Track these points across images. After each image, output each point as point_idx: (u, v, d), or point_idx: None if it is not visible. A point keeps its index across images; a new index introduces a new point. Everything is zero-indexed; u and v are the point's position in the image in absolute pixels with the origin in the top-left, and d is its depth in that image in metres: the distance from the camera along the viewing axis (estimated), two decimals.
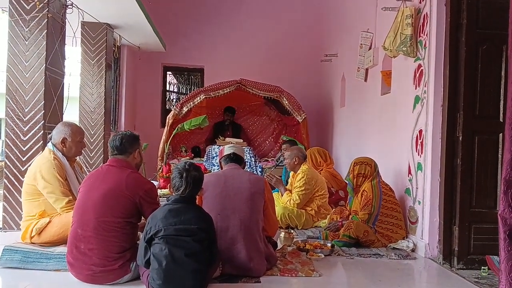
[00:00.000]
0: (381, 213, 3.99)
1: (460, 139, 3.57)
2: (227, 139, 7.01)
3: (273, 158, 7.40)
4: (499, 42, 3.57)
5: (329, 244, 3.81)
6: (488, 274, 3.30)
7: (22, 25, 3.89)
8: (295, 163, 4.92)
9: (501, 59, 3.57)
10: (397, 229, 4.01)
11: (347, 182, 4.44)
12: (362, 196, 4.15)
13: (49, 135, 3.57)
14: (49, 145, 3.49)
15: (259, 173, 6.46)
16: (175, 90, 8.95)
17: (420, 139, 3.90)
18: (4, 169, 3.89)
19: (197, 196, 2.84)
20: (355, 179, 4.28)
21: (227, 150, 3.47)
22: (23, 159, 3.88)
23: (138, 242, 2.89)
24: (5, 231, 3.85)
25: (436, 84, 3.70)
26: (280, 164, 6.59)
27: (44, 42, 3.91)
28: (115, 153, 3.02)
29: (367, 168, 4.24)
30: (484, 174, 3.56)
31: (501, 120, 3.58)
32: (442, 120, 3.67)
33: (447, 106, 3.63)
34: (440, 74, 3.69)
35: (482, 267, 3.36)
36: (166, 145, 6.66)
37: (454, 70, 3.62)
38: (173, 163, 6.51)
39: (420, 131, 3.89)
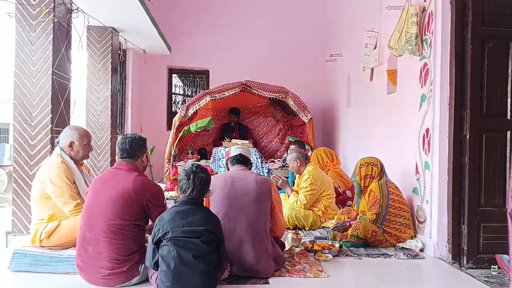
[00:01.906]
0: (389, 213, 3.97)
1: (468, 137, 3.56)
2: (233, 141, 7.02)
3: (279, 159, 7.40)
4: (506, 39, 3.56)
5: (337, 245, 3.80)
6: (498, 273, 3.28)
7: (29, 30, 3.92)
8: (298, 165, 4.90)
9: (507, 56, 3.56)
10: (406, 229, 3.99)
11: (354, 183, 4.41)
12: (369, 196, 4.12)
13: (56, 139, 3.59)
14: (57, 149, 3.51)
15: (265, 174, 6.46)
16: (181, 92, 8.98)
17: (427, 138, 3.88)
18: (13, 173, 3.91)
19: (204, 198, 2.85)
20: (362, 180, 4.24)
21: (234, 151, 3.47)
22: (31, 163, 3.90)
23: (146, 244, 2.91)
24: (15, 235, 3.87)
25: (443, 83, 3.69)
26: (286, 165, 6.58)
27: (51, 47, 3.94)
28: (124, 156, 3.03)
29: (374, 169, 4.21)
30: (492, 172, 3.55)
31: (508, 117, 3.56)
32: (449, 119, 3.65)
33: (453, 104, 3.62)
34: (446, 72, 3.68)
35: (492, 266, 3.34)
36: (173, 147, 6.68)
37: (460, 68, 3.60)
38: (179, 165, 6.53)
39: (427, 130, 3.87)
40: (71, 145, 3.48)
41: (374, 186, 4.12)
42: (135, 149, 3.03)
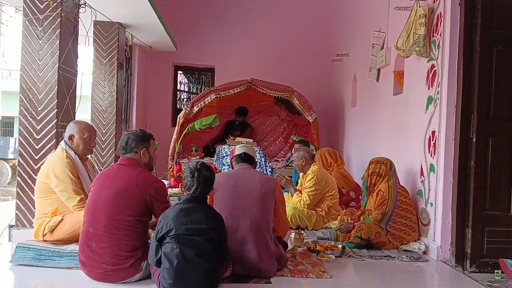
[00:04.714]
0: (396, 213, 3.95)
1: (474, 140, 3.53)
2: (237, 139, 7.01)
3: (283, 158, 7.38)
4: None
5: (340, 246, 3.79)
6: (502, 277, 3.26)
7: (36, 24, 3.92)
8: (303, 164, 4.89)
9: None
10: (410, 231, 3.97)
11: (362, 180, 4.40)
12: (377, 195, 4.11)
13: (64, 134, 3.61)
14: (62, 143, 3.53)
15: (269, 173, 6.45)
16: (186, 89, 8.97)
17: (433, 140, 3.86)
18: (17, 167, 3.92)
19: (208, 196, 2.85)
20: (369, 177, 4.25)
21: (238, 150, 3.46)
22: (36, 157, 3.91)
23: (149, 241, 2.90)
24: (18, 229, 3.88)
25: (450, 85, 3.66)
26: (290, 164, 6.56)
27: (58, 41, 3.94)
28: (122, 152, 3.05)
29: (382, 167, 4.20)
30: (497, 176, 3.53)
31: None
32: (456, 121, 3.63)
33: (460, 107, 3.59)
34: (453, 74, 3.65)
35: (496, 271, 3.32)
36: (177, 144, 6.68)
37: (468, 70, 3.58)
38: (183, 163, 6.53)
39: (433, 132, 3.85)
40: (71, 138, 3.50)
41: (383, 186, 4.11)
42: (130, 144, 3.02)
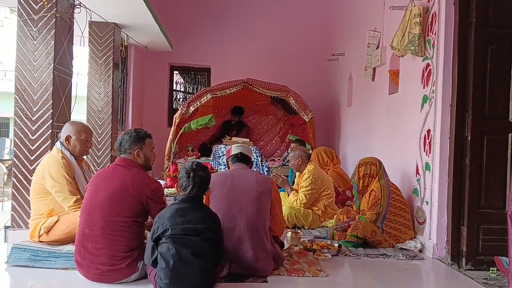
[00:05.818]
0: (390, 212, 3.97)
1: (469, 139, 3.55)
2: (234, 139, 7.01)
3: (279, 158, 7.39)
4: (509, 41, 3.55)
5: (336, 244, 3.80)
6: (497, 275, 3.28)
7: (31, 24, 3.91)
8: (299, 163, 4.90)
9: (510, 59, 3.55)
10: (406, 230, 3.98)
11: (353, 184, 4.41)
12: (370, 196, 4.11)
13: (59, 135, 3.60)
14: (57, 144, 3.52)
15: (265, 173, 6.46)
16: (182, 89, 8.96)
17: (428, 139, 3.87)
18: (13, 168, 3.91)
19: (204, 196, 2.85)
20: (361, 180, 4.24)
21: (235, 149, 3.47)
22: (32, 158, 3.90)
23: (145, 241, 2.90)
24: (14, 230, 3.87)
25: (445, 84, 3.68)
26: (286, 164, 6.57)
27: (52, 42, 3.93)
28: (118, 153, 3.06)
29: (372, 168, 4.21)
30: (493, 174, 3.54)
31: (510, 120, 3.55)
32: (451, 120, 3.64)
33: (455, 105, 3.60)
34: (448, 73, 3.66)
35: (491, 268, 3.34)
36: (173, 144, 6.68)
37: (462, 69, 3.59)
38: (179, 162, 6.53)
39: (428, 131, 3.86)
40: (67, 139, 3.49)
41: (375, 186, 4.11)
42: (124, 145, 3.02)
